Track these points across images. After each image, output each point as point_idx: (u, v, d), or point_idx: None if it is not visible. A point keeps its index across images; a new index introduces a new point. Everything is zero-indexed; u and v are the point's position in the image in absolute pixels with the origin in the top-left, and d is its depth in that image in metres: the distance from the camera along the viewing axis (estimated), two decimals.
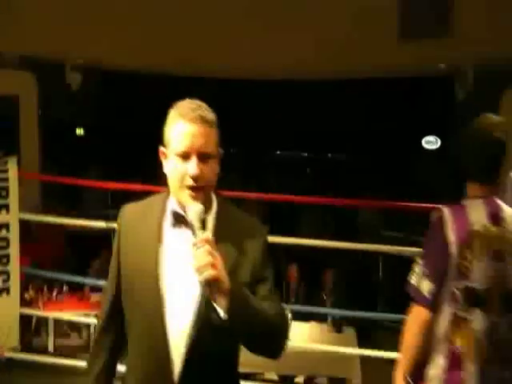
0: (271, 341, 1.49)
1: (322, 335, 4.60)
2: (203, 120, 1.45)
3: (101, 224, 3.87)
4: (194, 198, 1.44)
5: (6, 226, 3.56)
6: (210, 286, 1.33)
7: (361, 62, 4.70)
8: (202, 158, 1.44)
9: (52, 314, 4.73)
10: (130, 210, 1.61)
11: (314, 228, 6.34)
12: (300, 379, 4.76)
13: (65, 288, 5.32)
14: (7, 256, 3.59)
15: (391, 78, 4.98)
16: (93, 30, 5.00)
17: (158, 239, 1.50)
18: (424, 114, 6.47)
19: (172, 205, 1.52)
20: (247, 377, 3.99)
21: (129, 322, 1.55)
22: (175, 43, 5.22)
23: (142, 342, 1.50)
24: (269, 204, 6.31)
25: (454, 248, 1.91)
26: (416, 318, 1.98)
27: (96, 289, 5.42)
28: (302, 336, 4.55)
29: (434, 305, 1.95)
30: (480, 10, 4.25)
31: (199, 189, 1.45)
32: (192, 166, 1.43)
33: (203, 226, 1.38)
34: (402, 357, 2.03)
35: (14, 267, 3.64)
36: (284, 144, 10.47)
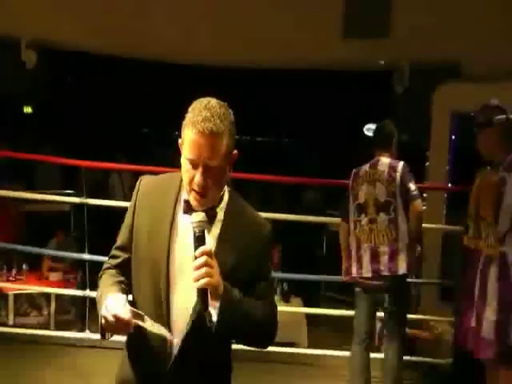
0: (259, 338, 1.64)
1: None
2: (212, 133, 1.47)
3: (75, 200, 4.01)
4: (198, 203, 1.53)
5: None
6: (205, 293, 1.44)
7: (309, 56, 5.08)
8: (208, 170, 1.49)
9: (28, 288, 4.79)
10: (148, 183, 1.68)
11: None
12: None
13: (24, 266, 5.45)
14: None
15: (336, 70, 5.43)
16: (50, 8, 5.02)
17: (171, 221, 1.59)
18: (365, 104, 6.95)
19: (185, 192, 1.59)
20: None
21: (135, 284, 1.64)
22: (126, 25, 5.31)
23: (146, 313, 1.54)
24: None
25: (350, 184, 3.55)
26: (341, 228, 3.64)
27: (54, 269, 5.58)
28: None
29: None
30: (417, 13, 4.75)
31: (203, 196, 1.52)
32: (198, 176, 1.49)
33: (203, 237, 1.47)
34: (343, 257, 3.60)
35: None
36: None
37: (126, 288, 1.63)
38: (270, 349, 4.38)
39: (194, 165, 1.50)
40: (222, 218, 1.60)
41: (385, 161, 3.47)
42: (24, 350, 4.12)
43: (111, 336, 1.54)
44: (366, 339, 3.62)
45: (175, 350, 1.55)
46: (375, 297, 3.57)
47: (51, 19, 5.20)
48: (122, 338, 1.66)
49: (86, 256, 4.18)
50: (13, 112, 7.04)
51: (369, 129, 8.31)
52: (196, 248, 1.45)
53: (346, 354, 4.17)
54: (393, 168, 3.41)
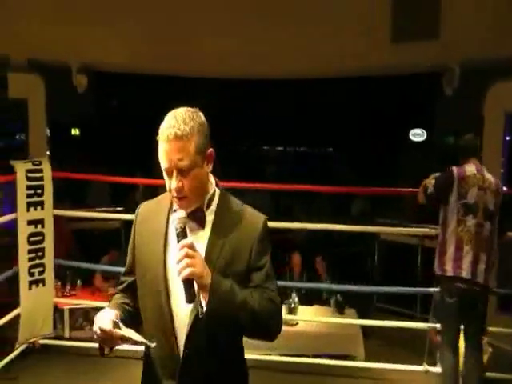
0: (261, 328, 1.61)
1: (327, 316, 4.93)
2: (176, 136, 1.52)
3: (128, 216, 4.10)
4: (181, 207, 1.59)
5: (42, 222, 3.79)
6: (190, 284, 1.48)
7: (355, 64, 5.03)
8: (182, 172, 1.55)
9: (84, 303, 4.89)
10: (144, 207, 1.79)
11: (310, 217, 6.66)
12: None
13: (78, 282, 5.55)
14: (43, 249, 3.82)
15: (384, 76, 5.37)
16: (94, 32, 5.18)
17: (165, 234, 1.65)
18: (412, 108, 6.83)
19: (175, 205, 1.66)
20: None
21: (141, 304, 1.71)
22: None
23: (152, 325, 1.66)
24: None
25: (456, 181, 3.47)
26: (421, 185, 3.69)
27: (107, 284, 5.64)
28: (308, 317, 4.88)
29: (426, 195, 3.63)
30: (466, 12, 4.64)
31: (183, 199, 1.58)
32: (173, 182, 1.56)
33: (184, 232, 1.53)
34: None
35: (49, 260, 3.86)
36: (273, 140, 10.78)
37: (130, 308, 1.72)
38: (326, 361, 4.35)
39: (169, 173, 1.56)
40: (213, 218, 1.64)
41: (486, 171, 3.59)
42: (79, 363, 4.22)
43: (109, 351, 1.60)
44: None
45: (181, 356, 1.60)
46: (463, 300, 3.46)
47: (101, 43, 5.34)
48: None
49: None
50: (64, 134, 7.27)
51: (415, 134, 8.21)
52: (178, 242, 1.51)
53: (404, 367, 4.06)
54: (496, 182, 3.56)
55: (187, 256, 1.48)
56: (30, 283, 3.84)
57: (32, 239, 3.86)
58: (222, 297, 1.51)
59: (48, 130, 5.37)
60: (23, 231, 3.82)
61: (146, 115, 8.73)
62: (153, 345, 1.54)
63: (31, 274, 3.85)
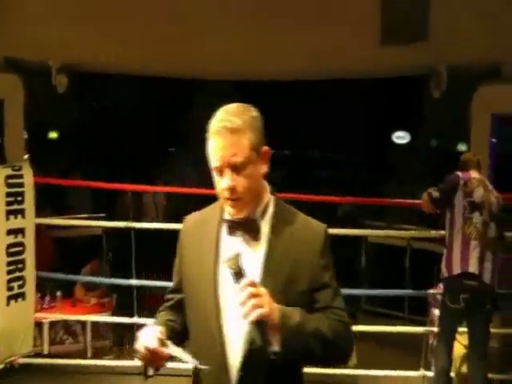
0: (333, 355, 1.48)
1: None
2: (227, 130, 1.42)
3: (121, 224, 3.95)
4: (234, 209, 1.46)
5: (22, 231, 3.60)
6: (262, 325, 1.33)
7: (343, 66, 4.99)
8: (235, 168, 1.42)
9: (66, 317, 4.72)
10: (190, 219, 1.66)
11: None
12: None
13: (58, 293, 5.35)
14: (23, 261, 3.63)
15: (371, 79, 5.34)
16: (75, 31, 5.01)
17: (216, 247, 1.51)
18: (396, 111, 6.84)
19: (226, 213, 1.53)
20: None
21: (189, 322, 1.59)
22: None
23: (201, 347, 1.51)
24: None
25: (461, 181, 3.58)
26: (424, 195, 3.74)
27: (88, 294, 5.46)
28: None
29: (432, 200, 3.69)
30: (454, 15, 4.64)
31: (236, 200, 1.45)
32: (224, 180, 1.43)
33: (241, 272, 1.36)
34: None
35: (30, 272, 3.67)
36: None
37: (176, 326, 1.60)
38: (318, 370, 4.28)
39: (221, 171, 1.44)
40: (268, 231, 1.50)
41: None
42: (60, 380, 4.05)
43: (154, 372, 1.48)
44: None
45: (234, 381, 1.46)
46: (472, 298, 3.45)
47: (83, 42, 5.17)
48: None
49: (133, 281, 4.07)
50: (43, 137, 7.05)
51: (398, 136, 8.22)
52: (236, 283, 1.35)
53: (400, 373, 4.01)
54: (493, 192, 3.67)
55: (252, 296, 1.32)
56: (9, 298, 3.63)
57: (11, 250, 3.66)
58: (295, 330, 1.36)
59: (26, 133, 5.16)
60: (2, 241, 3.62)
61: (130, 117, 8.64)
62: (204, 367, 1.42)
63: (10, 289, 3.64)
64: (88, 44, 5.04)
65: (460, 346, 3.76)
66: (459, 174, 3.67)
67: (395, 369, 4.05)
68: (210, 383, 1.45)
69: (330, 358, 1.51)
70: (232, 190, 1.42)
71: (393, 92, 6.39)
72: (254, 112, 1.49)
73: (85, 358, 4.78)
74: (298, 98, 7.61)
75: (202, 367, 1.42)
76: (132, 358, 4.09)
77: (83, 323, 5.13)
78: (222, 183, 1.44)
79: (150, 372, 1.47)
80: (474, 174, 3.67)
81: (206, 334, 1.49)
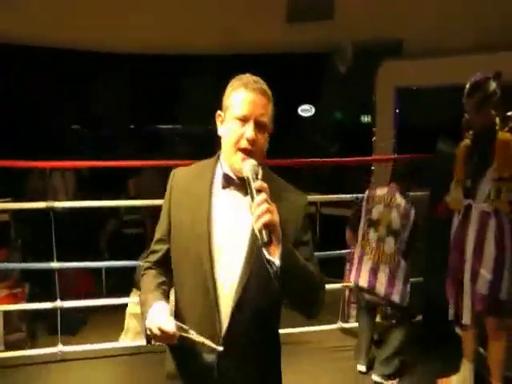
0: (313, 298, 1.55)
1: None
2: (263, 92, 1.54)
3: (41, 205, 3.69)
4: (244, 161, 1.50)
5: None
6: (267, 233, 1.37)
7: (251, 41, 5.04)
8: (258, 126, 1.52)
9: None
10: (181, 172, 1.70)
11: None
12: None
13: None
14: None
15: (279, 54, 5.44)
16: None
17: (209, 199, 1.59)
18: (301, 85, 7.00)
19: (224, 168, 1.60)
20: None
21: (177, 272, 1.63)
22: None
23: (192, 295, 1.58)
24: None
25: (365, 199, 3.76)
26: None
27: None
28: None
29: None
30: None
31: (251, 153, 1.51)
32: (249, 130, 1.50)
33: (257, 178, 1.45)
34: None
35: None
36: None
37: (167, 288, 1.64)
38: None
39: (245, 121, 1.52)
40: None
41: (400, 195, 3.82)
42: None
43: (156, 342, 1.52)
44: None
45: (224, 329, 1.53)
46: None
47: None
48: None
49: (55, 264, 3.86)
50: None
51: (303, 109, 8.48)
52: (251, 190, 1.42)
53: (320, 328, 4.22)
54: (405, 207, 3.69)
55: (266, 201, 1.38)
56: None
57: None
58: (291, 251, 1.43)
59: None
60: None
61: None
62: (220, 348, 1.49)
63: None
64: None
65: None
66: (372, 190, 3.79)
67: (313, 325, 4.23)
68: (200, 330, 1.50)
69: (306, 300, 1.54)
70: (252, 141, 1.51)
71: (301, 68, 6.57)
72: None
73: None
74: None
75: (220, 348, 1.49)
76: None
77: None
78: (247, 132, 1.51)
79: (153, 342, 1.52)
80: (381, 190, 3.71)
81: (197, 281, 1.56)
